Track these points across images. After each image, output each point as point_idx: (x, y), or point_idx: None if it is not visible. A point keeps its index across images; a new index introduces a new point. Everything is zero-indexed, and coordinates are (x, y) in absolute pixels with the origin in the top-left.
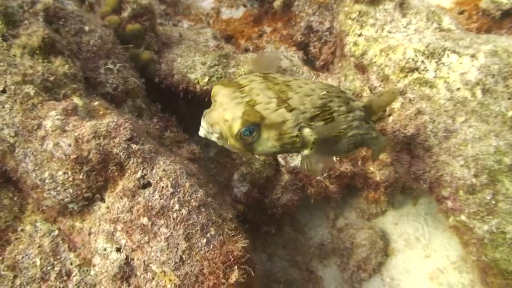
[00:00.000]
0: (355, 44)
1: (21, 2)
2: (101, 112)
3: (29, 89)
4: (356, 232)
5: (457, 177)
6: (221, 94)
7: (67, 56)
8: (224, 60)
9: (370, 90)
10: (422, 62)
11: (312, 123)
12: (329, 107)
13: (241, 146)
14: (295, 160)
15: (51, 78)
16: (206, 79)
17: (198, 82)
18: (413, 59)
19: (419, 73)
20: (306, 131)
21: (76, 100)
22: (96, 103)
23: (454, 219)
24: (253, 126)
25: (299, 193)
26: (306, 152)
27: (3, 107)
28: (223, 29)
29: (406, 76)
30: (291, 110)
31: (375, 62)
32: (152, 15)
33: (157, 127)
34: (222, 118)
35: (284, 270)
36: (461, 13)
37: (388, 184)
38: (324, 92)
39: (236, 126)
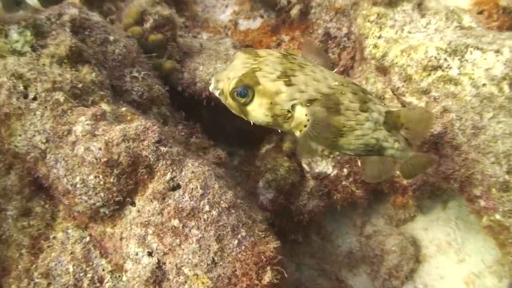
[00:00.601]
0: (375, 46)
1: (49, 15)
2: (128, 117)
3: (59, 96)
4: (385, 238)
5: (489, 174)
6: (238, 58)
7: (93, 65)
8: None
9: (393, 92)
10: (445, 59)
11: (309, 105)
12: (336, 98)
13: (237, 107)
14: (319, 166)
15: (80, 85)
16: None
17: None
18: (435, 57)
19: (443, 71)
20: (299, 109)
21: (104, 106)
22: (123, 109)
23: (488, 218)
24: (247, 88)
25: (325, 199)
26: (299, 133)
27: (35, 114)
28: (242, 40)
29: (429, 75)
30: (289, 85)
31: (396, 63)
32: (173, 26)
33: (183, 133)
34: (227, 77)
35: (313, 280)
36: (480, 12)
37: (416, 187)
38: (337, 83)
39: (232, 85)
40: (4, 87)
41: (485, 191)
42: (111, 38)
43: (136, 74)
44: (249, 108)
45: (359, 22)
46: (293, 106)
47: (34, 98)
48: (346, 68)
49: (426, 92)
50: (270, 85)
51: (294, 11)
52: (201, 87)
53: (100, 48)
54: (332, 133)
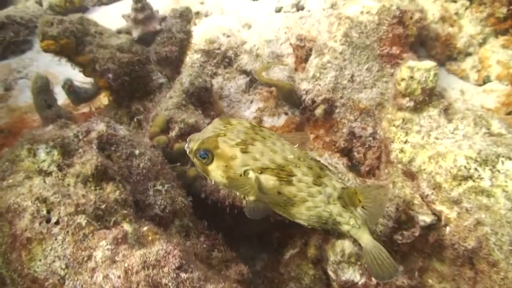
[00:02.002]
0: (402, 151)
1: (77, 132)
2: (150, 238)
3: (81, 219)
4: None
5: None
6: (213, 123)
7: (118, 182)
8: None
9: (422, 198)
10: (476, 169)
11: (260, 173)
12: (289, 170)
13: (200, 166)
14: (346, 274)
15: (103, 206)
16: None
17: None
18: (465, 167)
19: (474, 181)
20: (252, 174)
21: (126, 226)
22: (145, 228)
23: None
24: (207, 151)
25: None
26: (251, 197)
27: (56, 239)
28: None
29: (459, 185)
30: (244, 152)
31: (424, 169)
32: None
33: (204, 246)
34: (197, 138)
35: None
36: (508, 113)
37: None
38: (292, 157)
39: (195, 146)
40: (28, 211)
41: None
42: (137, 152)
43: (159, 187)
44: (209, 168)
45: (384, 126)
46: (245, 172)
47: (57, 222)
48: (372, 168)
49: (457, 202)
50: (227, 150)
51: (319, 111)
52: (225, 194)
53: (125, 163)
54: (288, 203)
